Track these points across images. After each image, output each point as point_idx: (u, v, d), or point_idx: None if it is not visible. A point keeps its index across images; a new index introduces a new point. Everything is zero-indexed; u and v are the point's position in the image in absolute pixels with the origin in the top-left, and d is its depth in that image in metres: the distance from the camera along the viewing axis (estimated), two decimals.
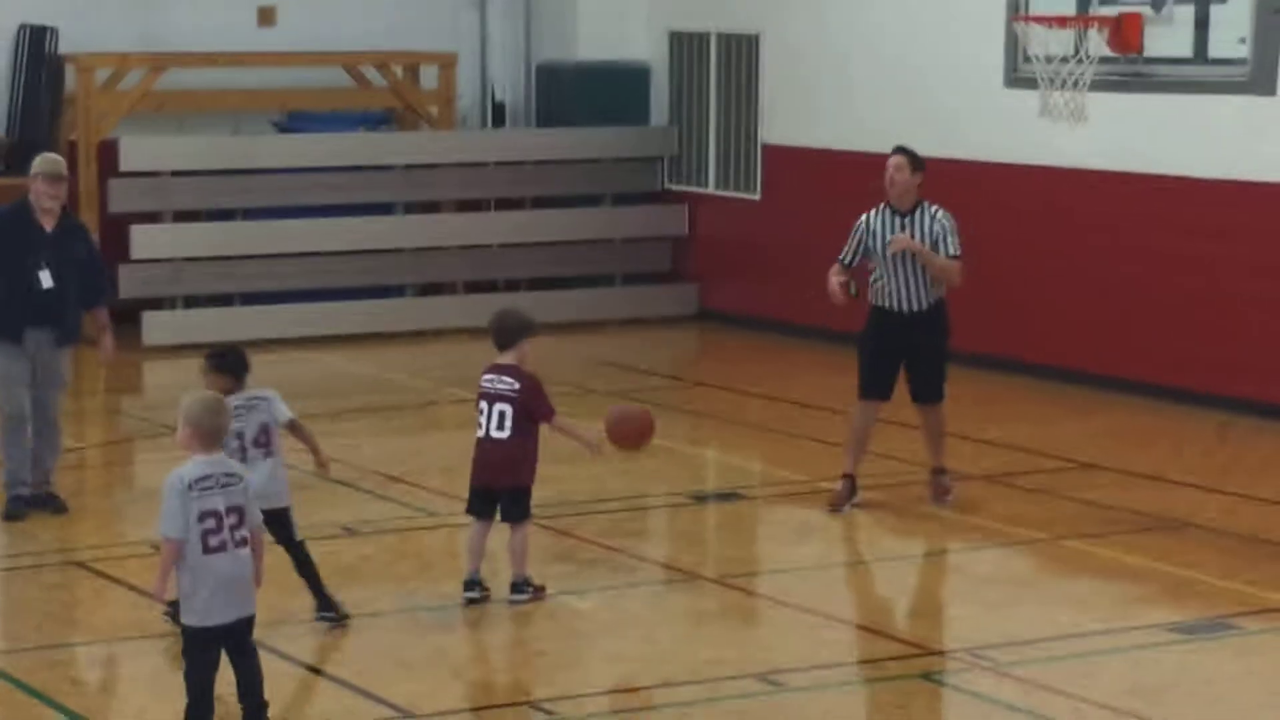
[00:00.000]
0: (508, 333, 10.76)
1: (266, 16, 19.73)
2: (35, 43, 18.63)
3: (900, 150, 12.62)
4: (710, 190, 19.92)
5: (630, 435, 10.92)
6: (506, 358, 10.68)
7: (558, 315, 19.50)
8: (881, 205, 12.59)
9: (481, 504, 10.64)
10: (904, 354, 12.50)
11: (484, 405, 10.58)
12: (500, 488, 10.63)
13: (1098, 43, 15.57)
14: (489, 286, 19.77)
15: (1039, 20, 15.89)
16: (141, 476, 14.04)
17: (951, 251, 12.38)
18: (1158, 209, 16.02)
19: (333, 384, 16.85)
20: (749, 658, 9.82)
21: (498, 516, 10.68)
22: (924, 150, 17.48)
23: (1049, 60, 15.82)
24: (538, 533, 12.14)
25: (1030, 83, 16.00)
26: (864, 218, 12.66)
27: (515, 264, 19.81)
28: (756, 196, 19.45)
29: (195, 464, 8.20)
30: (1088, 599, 10.79)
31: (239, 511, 8.21)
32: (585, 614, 10.58)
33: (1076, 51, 15.79)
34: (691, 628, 10.42)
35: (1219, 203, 15.58)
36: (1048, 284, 16.71)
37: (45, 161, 12.07)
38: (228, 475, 8.25)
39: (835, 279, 12.60)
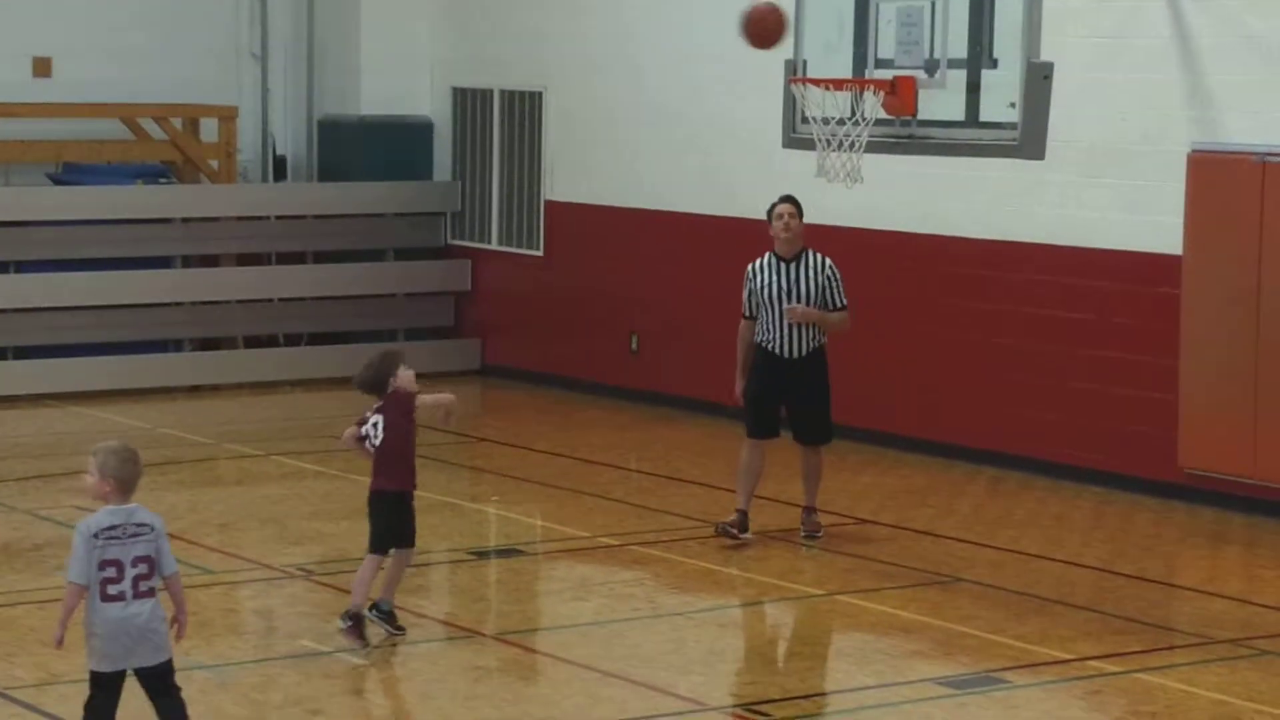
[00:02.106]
0: (378, 383, 10.86)
1: (42, 67, 19.49)
2: None
3: (789, 199, 13.22)
4: (493, 246, 19.99)
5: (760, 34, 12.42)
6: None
7: (340, 370, 19.36)
8: (766, 254, 13.11)
9: None
10: (787, 396, 13.08)
11: (377, 418, 10.86)
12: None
13: (874, 105, 15.84)
14: (270, 341, 19.66)
15: (816, 82, 16.13)
16: None
17: (840, 303, 13.10)
18: (930, 268, 16.34)
19: (108, 439, 16.59)
20: (528, 714, 9.84)
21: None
22: (704, 209, 17.87)
23: (826, 121, 16.07)
24: (316, 589, 12.12)
25: (808, 144, 16.25)
26: (750, 268, 13.16)
27: (297, 318, 19.72)
28: (539, 252, 19.54)
29: (106, 513, 8.32)
30: (862, 654, 10.96)
31: (148, 561, 8.29)
32: (363, 671, 10.54)
33: (853, 113, 16.05)
34: (471, 684, 10.42)
35: (989, 262, 15.94)
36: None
37: None
38: (138, 525, 8.34)
39: (739, 386, 13.18)
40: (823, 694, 10.29)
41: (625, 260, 18.70)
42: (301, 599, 11.97)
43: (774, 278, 13.05)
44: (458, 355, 20.14)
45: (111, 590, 8.24)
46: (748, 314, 13.18)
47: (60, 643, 8.43)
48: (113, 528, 8.28)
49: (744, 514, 13.08)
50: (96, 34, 19.61)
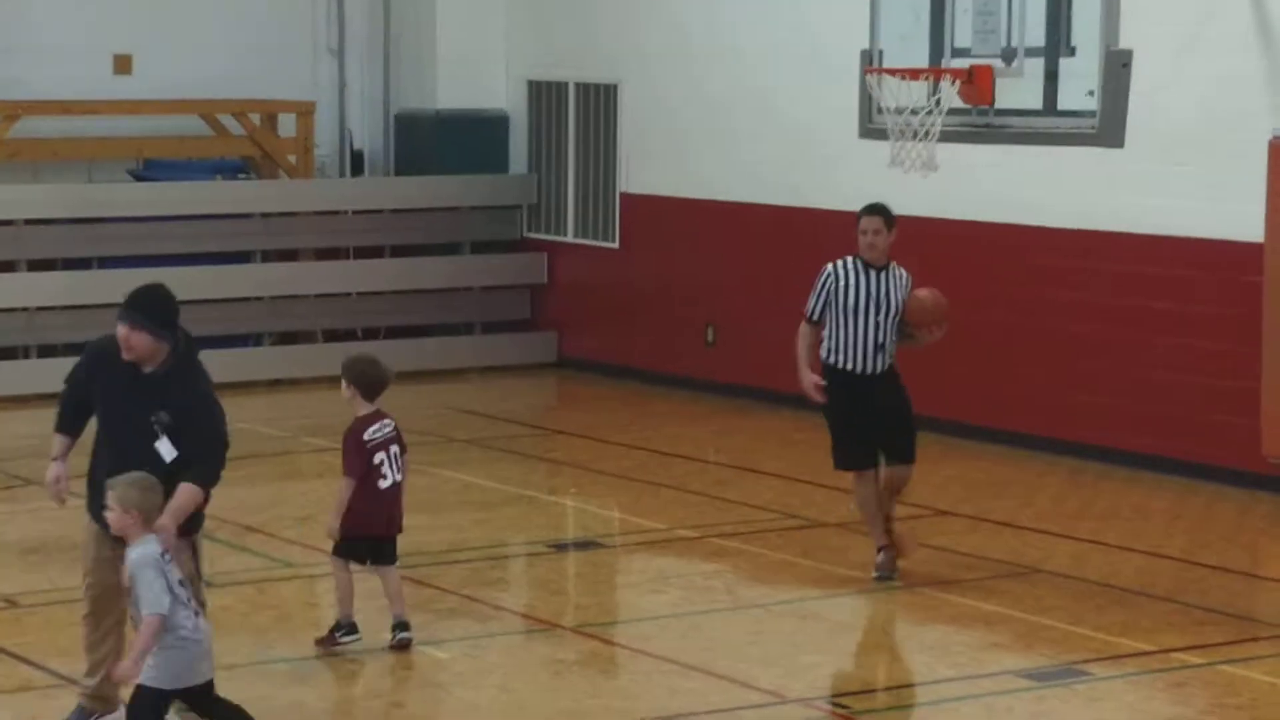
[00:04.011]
0: (384, 383, 10.72)
1: (123, 64, 19.62)
2: None
3: (874, 210, 12.07)
4: (569, 238, 20.00)
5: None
6: (378, 404, 10.63)
7: (417, 364, 19.51)
8: (851, 258, 12.02)
9: (375, 551, 10.64)
10: (873, 416, 11.95)
11: (382, 455, 10.59)
12: (397, 531, 10.75)
13: (950, 94, 15.79)
14: (347, 335, 19.73)
15: (892, 72, 16.09)
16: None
17: None
18: (1007, 257, 16.27)
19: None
20: (607, 707, 9.85)
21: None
22: (780, 200, 17.83)
23: (901, 111, 16.02)
24: None
25: (884, 134, 16.20)
26: (831, 268, 12.01)
27: (374, 312, 19.79)
28: (615, 245, 19.55)
29: (152, 541, 8.45)
30: (941, 646, 10.91)
31: (186, 581, 8.56)
32: (443, 664, 10.58)
33: (929, 103, 16.00)
34: (550, 677, 10.44)
35: (1067, 251, 15.86)
36: None
37: None
38: (166, 552, 8.53)
39: (810, 380, 11.97)
40: (903, 686, 10.26)
41: (701, 252, 18.68)
42: (381, 592, 11.97)
43: (858, 286, 11.92)
44: (534, 348, 20.17)
45: (183, 613, 8.41)
46: (813, 318, 12.01)
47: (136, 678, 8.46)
48: (163, 554, 8.46)
49: (886, 549, 12.10)
50: (176, 31, 19.73)
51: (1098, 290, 15.67)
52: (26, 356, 18.31)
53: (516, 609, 11.79)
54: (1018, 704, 9.93)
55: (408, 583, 11.96)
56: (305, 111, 19.88)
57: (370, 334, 19.85)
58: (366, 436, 10.58)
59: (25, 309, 18.25)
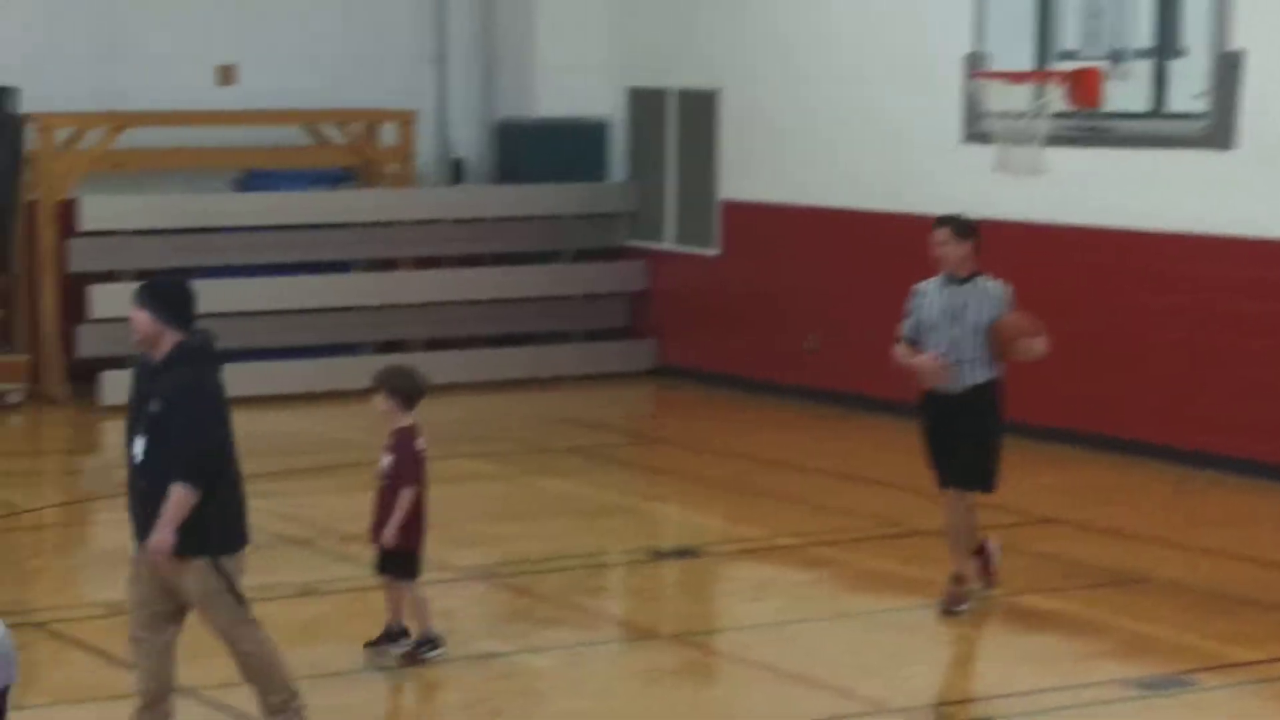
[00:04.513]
0: (422, 393, 10.69)
1: (226, 75, 19.73)
2: None
3: (943, 221, 11.63)
4: (669, 246, 19.95)
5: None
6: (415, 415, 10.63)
7: (516, 372, 19.53)
8: (941, 275, 11.57)
9: (410, 565, 10.60)
10: (949, 437, 11.51)
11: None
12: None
13: (1056, 97, 15.64)
14: (447, 344, 19.74)
15: (997, 75, 15.95)
16: (99, 537, 13.96)
17: None
18: (1115, 263, 16.08)
19: (289, 442, 16.79)
20: (706, 715, 9.79)
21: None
22: (881, 204, 17.70)
23: (1007, 115, 15.88)
24: (494, 591, 12.13)
25: (987, 138, 16.06)
26: (917, 288, 11.63)
27: (474, 321, 19.80)
28: (715, 252, 19.48)
29: None
30: (1046, 655, 10.78)
31: None
32: (542, 672, 10.54)
33: (1035, 106, 15.85)
34: (649, 686, 10.38)
35: (1176, 256, 15.66)
36: None
37: None
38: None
39: (922, 357, 11.42)
40: (1006, 695, 10.12)
41: (802, 259, 18.58)
42: (479, 600, 11.99)
43: (936, 300, 11.48)
44: (634, 356, 20.13)
45: None
46: (907, 335, 11.56)
47: None
48: None
49: (958, 578, 11.57)
50: (279, 41, 19.83)
51: (1206, 295, 15.46)
52: (131, 366, 18.37)
53: (615, 617, 11.74)
54: (1123, 714, 9.80)
55: (507, 590, 11.96)
56: (406, 120, 19.92)
57: (469, 342, 19.86)
58: (419, 446, 10.54)
59: (128, 319, 18.31)
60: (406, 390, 10.56)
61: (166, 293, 8.94)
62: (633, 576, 12.85)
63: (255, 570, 11.84)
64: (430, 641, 10.51)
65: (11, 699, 9.85)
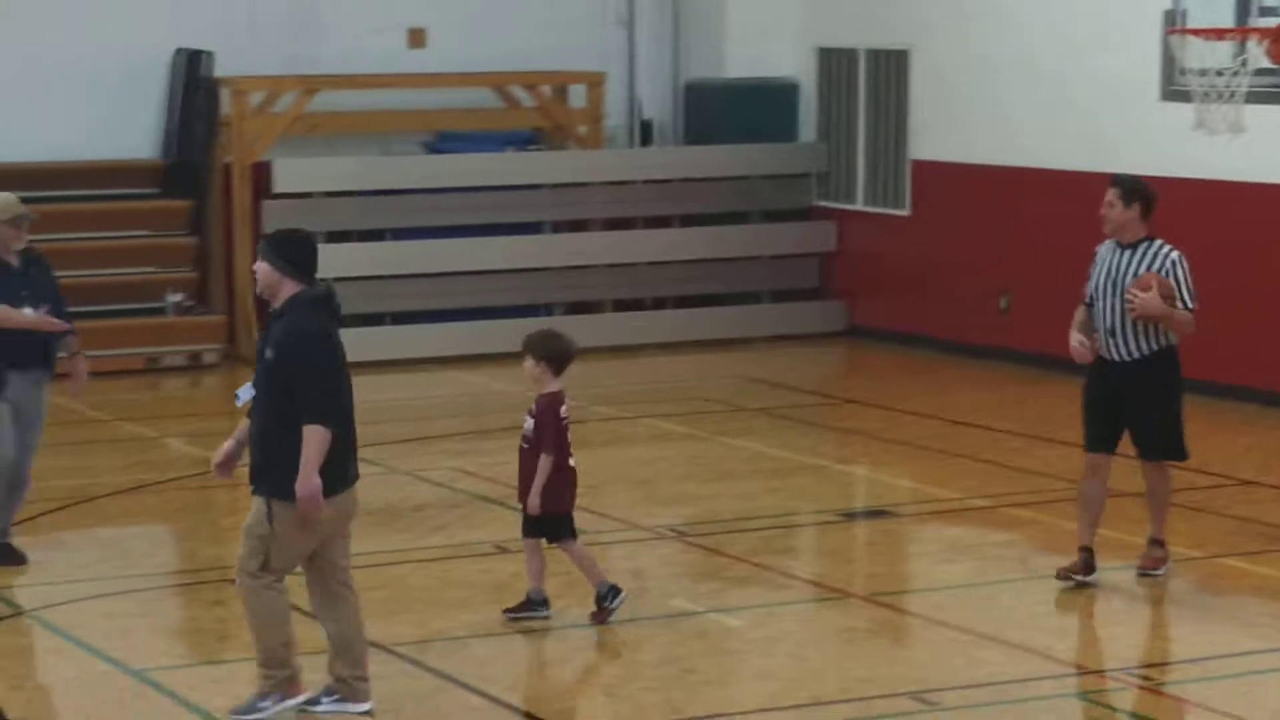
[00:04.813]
0: (572, 357, 10.66)
1: (417, 38, 19.87)
2: (191, 66, 18.85)
3: (1114, 182, 11.26)
4: (859, 206, 19.83)
5: None
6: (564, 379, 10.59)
7: (706, 333, 19.52)
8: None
9: (560, 528, 10.55)
10: (1122, 403, 11.15)
11: (569, 433, 10.54)
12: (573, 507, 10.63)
13: (1257, 54, 15.32)
14: (636, 305, 19.78)
15: (1196, 32, 15.66)
16: None
17: (1185, 304, 11.07)
18: None
19: (482, 403, 16.91)
20: (901, 676, 9.74)
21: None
22: (1077, 165, 17.45)
23: (1205, 72, 15.60)
24: (687, 550, 12.15)
25: (1185, 96, 15.79)
26: (1098, 249, 11.32)
27: (663, 282, 19.81)
28: (906, 212, 19.34)
29: None
30: (1246, 617, 10.62)
31: None
32: (735, 632, 10.54)
33: (1235, 64, 15.55)
34: (842, 646, 10.35)
35: None
36: (1201, 299, 16.45)
37: (7, 206, 11.31)
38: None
39: (1075, 337, 11.20)
40: (1206, 658, 9.98)
41: (995, 218, 18.40)
42: (672, 560, 12.01)
43: (1104, 265, 11.15)
44: (823, 317, 20.05)
45: None
46: (1087, 299, 11.27)
47: None
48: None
49: (1086, 551, 11.25)
50: (469, 5, 19.93)
51: None
52: None
53: (807, 577, 11.72)
54: None
55: (699, 550, 11.97)
56: (595, 82, 19.95)
57: (658, 303, 19.88)
58: (563, 413, 10.50)
59: (322, 280, 18.50)
60: (555, 354, 10.54)
61: (286, 245, 9.11)
62: (824, 537, 12.81)
63: (450, 528, 12.03)
64: (610, 593, 10.53)
65: (214, 651, 10.03)
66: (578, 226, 19.83)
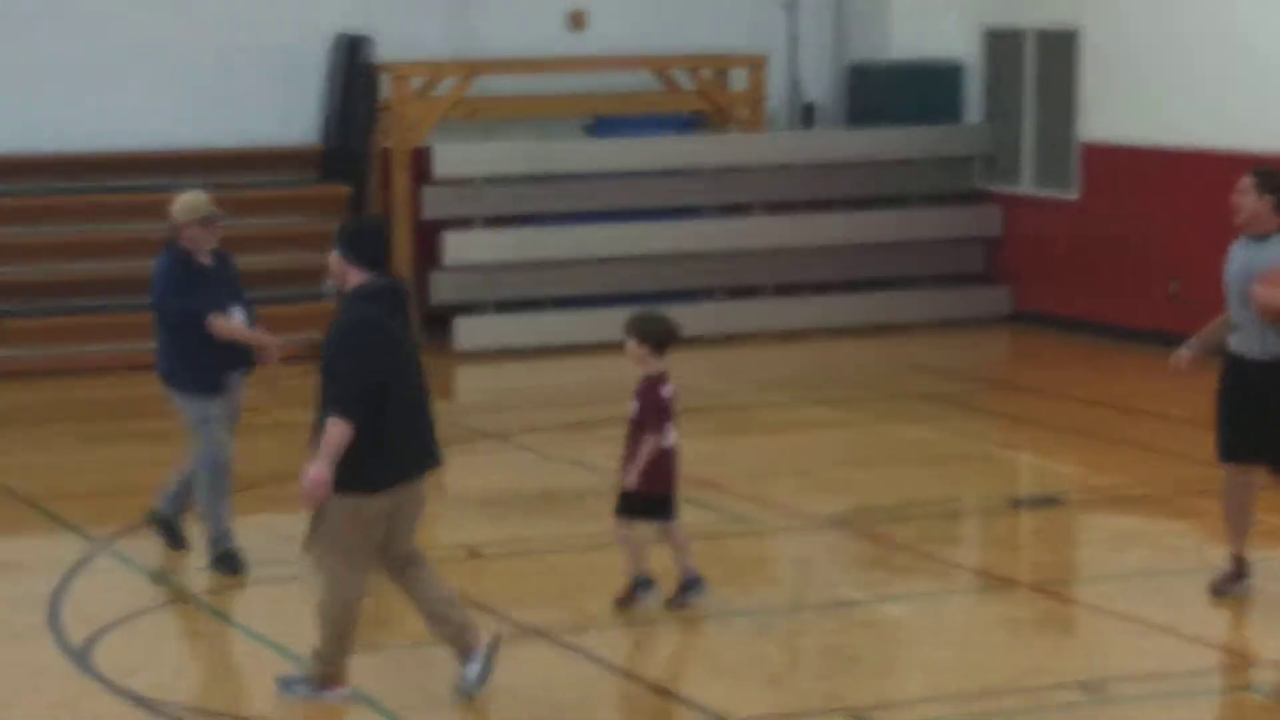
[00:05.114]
0: (674, 337, 10.57)
1: (577, 21, 19.80)
2: (351, 51, 18.90)
3: (1254, 171, 10.64)
4: (1025, 190, 19.53)
5: None
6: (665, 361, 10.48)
7: (868, 318, 19.30)
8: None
9: (661, 508, 10.43)
10: (1248, 409, 10.47)
11: (671, 413, 10.44)
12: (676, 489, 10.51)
13: None
14: (798, 290, 19.60)
15: None
16: (454, 482, 14.11)
17: None
18: None
19: None
20: (1069, 666, 9.54)
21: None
22: (1251, 144, 17.05)
23: None
24: (849, 538, 11.99)
25: None
26: (1232, 245, 10.70)
27: (825, 266, 19.61)
28: (1073, 195, 19.02)
29: None
30: None
31: None
32: (899, 621, 10.38)
33: None
34: (1008, 635, 10.17)
35: None
36: None
37: (199, 207, 11.18)
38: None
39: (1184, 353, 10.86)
40: None
41: (1166, 202, 18.04)
42: (835, 548, 11.86)
43: (1231, 260, 10.57)
44: (988, 302, 19.76)
45: None
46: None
47: None
48: None
49: (1236, 559, 10.62)
50: None
51: None
52: (484, 312, 18.59)
53: (972, 566, 11.53)
54: None
55: (863, 538, 11.81)
56: (756, 65, 19.79)
57: (820, 288, 19.68)
58: (665, 394, 10.36)
59: (483, 265, 18.54)
60: (657, 335, 10.49)
61: (353, 235, 9.12)
62: (989, 525, 12.61)
63: (599, 516, 11.91)
64: (695, 585, 10.39)
65: (371, 636, 10.00)
66: (739, 211, 19.68)
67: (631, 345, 10.44)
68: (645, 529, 10.44)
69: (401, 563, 9.15)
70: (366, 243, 9.03)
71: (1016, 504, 12.96)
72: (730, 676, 9.44)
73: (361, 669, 9.38)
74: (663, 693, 9.22)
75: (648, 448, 10.30)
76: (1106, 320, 18.57)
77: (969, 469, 13.72)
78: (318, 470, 8.75)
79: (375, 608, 10.64)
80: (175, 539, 11.57)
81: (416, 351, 9.14)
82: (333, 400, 8.81)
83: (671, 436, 10.41)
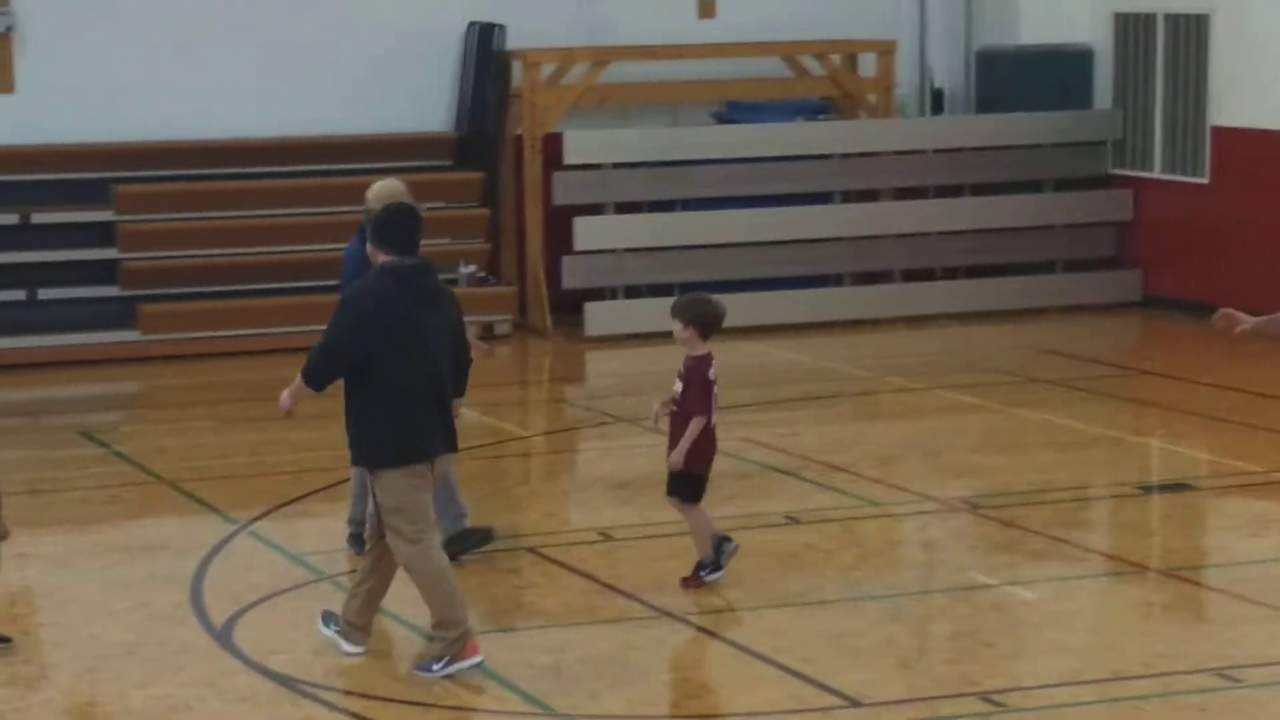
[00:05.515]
0: (720, 321, 10.65)
1: (706, 8, 19.86)
2: (483, 40, 19.06)
3: None
4: (1156, 174, 19.42)
5: None
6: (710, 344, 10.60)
7: (997, 303, 19.26)
8: None
9: (699, 489, 10.60)
10: None
11: (715, 395, 10.54)
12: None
13: None
14: (927, 275, 19.59)
15: None
16: (584, 465, 14.25)
17: None
18: None
19: (772, 373, 16.88)
20: (1204, 652, 9.52)
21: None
22: None
23: None
24: (980, 522, 12.00)
25: None
26: None
27: (954, 252, 19.59)
28: (1204, 180, 18.90)
29: None
30: None
31: None
32: (1032, 605, 10.39)
33: None
34: (1141, 620, 10.16)
35: None
36: None
37: (395, 193, 10.57)
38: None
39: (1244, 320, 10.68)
40: None
41: None
42: (966, 532, 11.87)
43: None
44: (1118, 287, 19.68)
45: None
46: None
47: None
48: None
49: None
50: None
51: None
52: (614, 297, 18.70)
53: (1104, 551, 11.51)
54: None
55: (993, 522, 11.83)
56: (886, 51, 19.78)
57: (949, 273, 19.67)
58: (710, 375, 10.48)
59: (613, 251, 18.65)
60: (704, 318, 10.56)
61: (380, 220, 9.47)
62: (1121, 510, 12.57)
63: (741, 498, 12.02)
64: (712, 564, 10.54)
65: (508, 619, 10.12)
66: (868, 196, 19.68)
67: (678, 328, 10.59)
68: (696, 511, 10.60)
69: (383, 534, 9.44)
70: (390, 227, 9.38)
71: (1147, 489, 12.92)
72: (863, 660, 9.49)
73: (494, 649, 9.51)
74: (797, 675, 9.29)
75: (694, 430, 10.42)
76: (1237, 304, 18.39)
77: (1099, 454, 13.68)
78: (283, 397, 9.35)
79: (506, 595, 10.79)
80: (481, 538, 11.31)
81: (444, 335, 9.30)
82: (307, 359, 9.28)
83: (714, 417, 10.55)
